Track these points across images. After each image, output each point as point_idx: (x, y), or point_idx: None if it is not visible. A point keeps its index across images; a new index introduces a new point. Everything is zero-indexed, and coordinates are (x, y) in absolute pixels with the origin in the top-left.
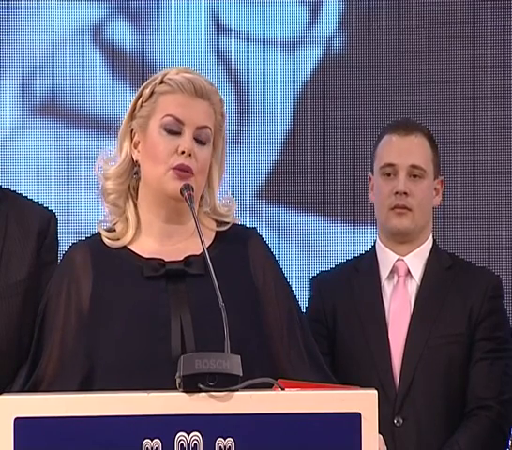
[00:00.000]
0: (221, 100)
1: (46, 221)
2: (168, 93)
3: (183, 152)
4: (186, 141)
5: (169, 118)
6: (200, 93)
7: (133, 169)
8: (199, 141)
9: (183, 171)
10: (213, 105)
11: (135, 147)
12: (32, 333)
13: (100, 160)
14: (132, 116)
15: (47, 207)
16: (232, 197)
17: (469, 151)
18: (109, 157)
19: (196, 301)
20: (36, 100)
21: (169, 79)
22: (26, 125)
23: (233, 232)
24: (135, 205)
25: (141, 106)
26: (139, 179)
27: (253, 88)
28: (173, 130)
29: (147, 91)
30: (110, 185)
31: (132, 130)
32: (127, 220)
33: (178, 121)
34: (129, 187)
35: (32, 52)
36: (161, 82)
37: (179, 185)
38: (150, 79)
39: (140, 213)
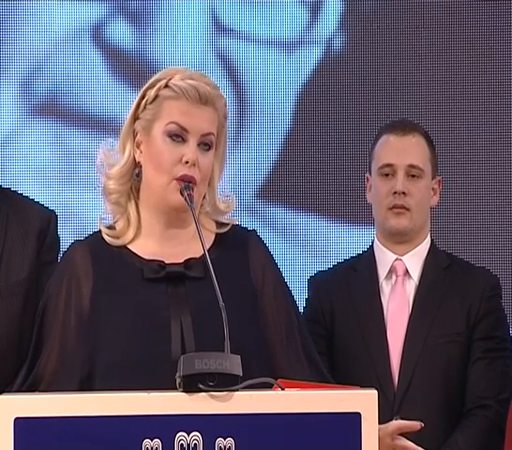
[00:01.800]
0: (225, 103)
1: (46, 220)
2: (172, 98)
3: (187, 162)
4: (190, 150)
5: (173, 125)
6: (204, 100)
7: (135, 169)
8: (203, 148)
9: (186, 182)
10: (217, 110)
11: (137, 147)
12: (32, 332)
13: (102, 153)
14: (136, 116)
15: (47, 207)
16: (231, 193)
17: (468, 151)
18: (110, 149)
19: (196, 304)
20: (36, 100)
21: (174, 84)
22: (26, 125)
23: (233, 234)
24: (137, 205)
25: (144, 107)
26: (140, 180)
27: (253, 88)
28: (178, 138)
29: (152, 93)
30: (112, 185)
31: (134, 130)
32: (128, 219)
33: (183, 129)
34: (131, 186)
35: (32, 52)
36: (166, 85)
37: (182, 197)
38: (154, 79)
39: (141, 213)
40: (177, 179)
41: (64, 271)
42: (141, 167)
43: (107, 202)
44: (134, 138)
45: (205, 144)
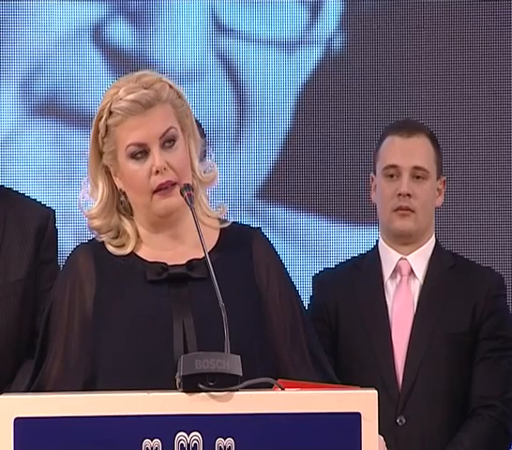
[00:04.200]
0: (170, 84)
1: (45, 218)
2: (120, 122)
3: (157, 171)
4: (155, 158)
5: (131, 147)
6: (148, 105)
7: (119, 198)
8: (167, 145)
9: (165, 189)
10: (164, 101)
11: (116, 176)
12: (30, 332)
13: (84, 193)
14: (99, 153)
15: (45, 204)
16: (213, 163)
17: (469, 151)
18: (91, 188)
19: (198, 305)
20: (36, 100)
21: (116, 108)
22: (26, 125)
23: (237, 232)
24: (131, 220)
25: (102, 142)
26: (129, 202)
27: (253, 88)
28: (141, 155)
29: (101, 124)
30: (97, 222)
31: (104, 165)
32: (127, 235)
33: (141, 145)
34: (118, 209)
35: (32, 52)
36: (110, 112)
37: (166, 203)
38: (99, 108)
39: (138, 226)
40: (155, 192)
41: (67, 275)
42: (125, 193)
43: (98, 236)
44: (106, 172)
45: (169, 141)
